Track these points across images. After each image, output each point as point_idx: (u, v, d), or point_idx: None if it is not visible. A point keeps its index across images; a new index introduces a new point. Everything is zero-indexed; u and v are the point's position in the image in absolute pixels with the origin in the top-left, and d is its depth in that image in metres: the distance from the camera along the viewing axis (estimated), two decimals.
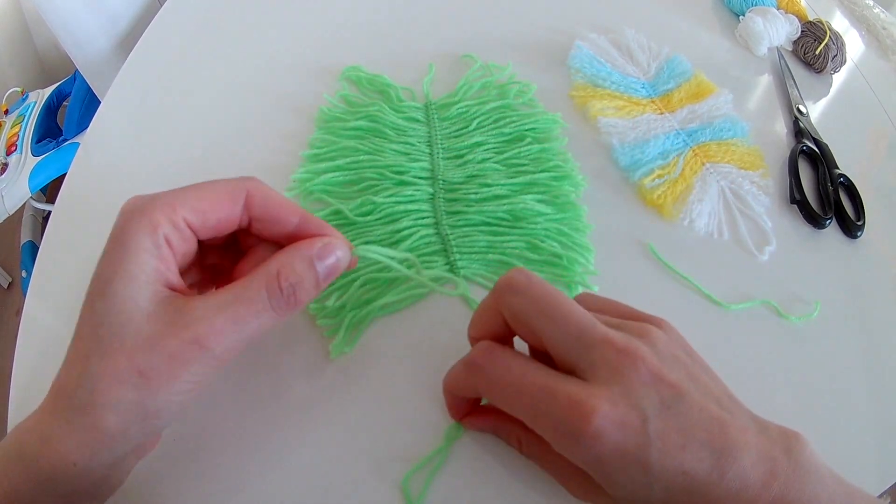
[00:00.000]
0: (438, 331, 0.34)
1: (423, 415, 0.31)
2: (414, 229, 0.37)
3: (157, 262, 0.23)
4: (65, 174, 0.41)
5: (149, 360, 0.22)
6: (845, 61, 0.57)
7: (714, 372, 0.26)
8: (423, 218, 0.38)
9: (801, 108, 0.52)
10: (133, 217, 0.23)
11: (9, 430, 0.30)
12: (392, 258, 0.29)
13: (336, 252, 0.26)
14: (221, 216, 0.25)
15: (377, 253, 0.29)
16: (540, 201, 0.39)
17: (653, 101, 0.49)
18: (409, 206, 0.38)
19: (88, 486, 0.23)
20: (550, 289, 0.25)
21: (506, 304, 0.25)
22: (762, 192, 0.44)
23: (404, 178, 0.40)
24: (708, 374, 0.25)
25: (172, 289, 0.24)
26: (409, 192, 0.39)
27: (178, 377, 0.22)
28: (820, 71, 0.57)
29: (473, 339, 0.29)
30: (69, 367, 0.23)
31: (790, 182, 0.45)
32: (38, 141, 1.02)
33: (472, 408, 0.30)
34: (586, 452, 0.22)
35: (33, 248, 1.12)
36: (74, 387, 0.22)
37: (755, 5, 0.59)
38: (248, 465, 0.30)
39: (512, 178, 0.40)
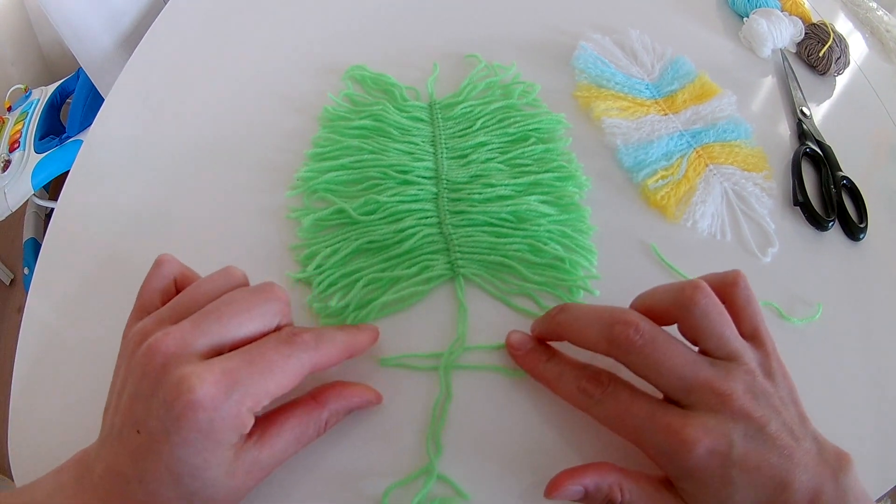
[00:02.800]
0: (437, 332, 0.34)
1: (419, 422, 0.31)
2: (417, 229, 0.37)
3: (242, 438, 0.26)
4: (68, 171, 0.41)
5: (233, 501, 0.26)
6: (849, 63, 0.57)
7: (795, 392, 0.29)
8: (427, 217, 0.38)
9: (805, 109, 0.52)
10: (219, 415, 0.24)
11: (9, 427, 0.31)
12: None
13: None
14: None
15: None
16: (543, 202, 0.39)
17: (657, 102, 0.49)
18: (413, 206, 0.38)
19: None
20: (661, 341, 0.27)
21: (616, 356, 0.28)
22: (765, 194, 0.44)
23: (408, 177, 0.40)
24: (791, 398, 0.28)
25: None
26: (413, 192, 0.39)
27: None
28: (823, 73, 0.57)
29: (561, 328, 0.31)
30: None
31: (793, 184, 0.45)
32: (42, 138, 1.02)
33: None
34: (680, 469, 0.26)
35: (35, 245, 1.13)
36: None
37: (759, 7, 0.59)
38: None
39: (516, 178, 0.40)
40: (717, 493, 0.26)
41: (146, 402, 0.24)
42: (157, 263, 0.31)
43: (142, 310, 0.29)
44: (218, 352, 0.26)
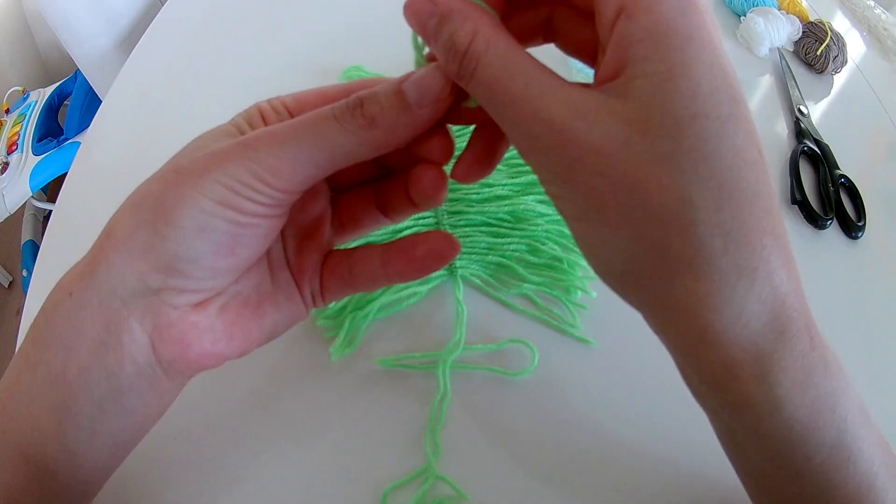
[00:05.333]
0: (436, 333, 0.35)
1: (418, 423, 0.31)
2: (414, 229, 0.37)
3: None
4: (66, 173, 0.41)
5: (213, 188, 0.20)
6: (846, 62, 0.57)
7: None
8: (424, 218, 0.38)
9: (802, 108, 0.52)
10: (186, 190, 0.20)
11: None
12: None
13: (425, 72, 0.20)
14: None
15: None
16: (541, 202, 0.39)
17: None
18: None
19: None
20: None
21: None
22: None
23: None
24: None
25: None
26: None
27: (241, 207, 0.20)
28: (821, 71, 0.57)
29: None
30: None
31: (791, 182, 0.45)
32: (39, 140, 1.02)
33: None
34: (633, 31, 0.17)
35: (34, 248, 1.13)
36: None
37: (756, 6, 0.59)
38: (244, 465, 0.30)
39: (513, 177, 0.40)
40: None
41: None
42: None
43: None
44: None
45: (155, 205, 0.20)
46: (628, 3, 0.17)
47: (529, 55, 0.19)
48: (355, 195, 0.26)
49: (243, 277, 0.23)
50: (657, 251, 0.17)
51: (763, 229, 0.17)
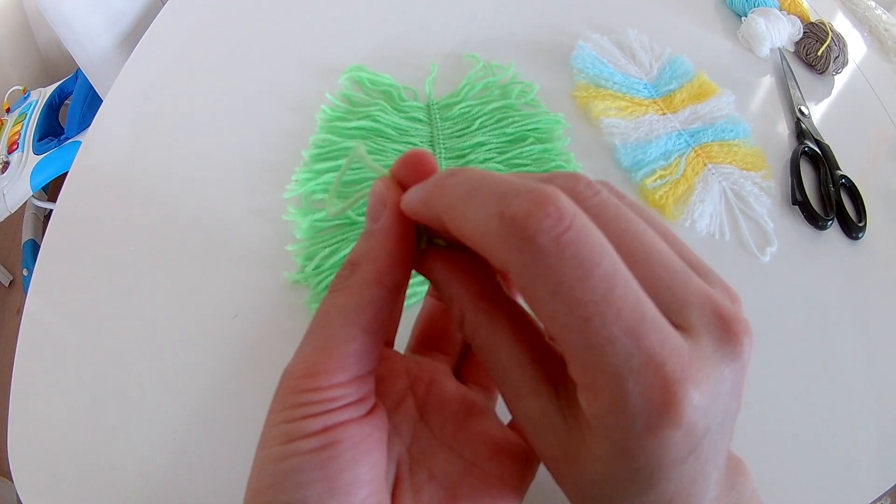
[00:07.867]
0: None
1: None
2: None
3: None
4: (66, 173, 0.41)
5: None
6: (847, 62, 0.57)
7: None
8: None
9: (803, 109, 0.52)
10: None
11: (9, 428, 0.31)
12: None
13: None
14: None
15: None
16: None
17: (655, 102, 0.49)
18: None
19: None
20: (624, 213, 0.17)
21: (514, 260, 0.16)
22: (764, 193, 0.44)
23: None
24: None
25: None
26: None
27: (304, 431, 0.18)
28: (822, 72, 0.57)
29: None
30: None
31: (792, 183, 0.45)
32: (40, 139, 1.02)
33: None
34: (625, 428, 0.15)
35: (34, 247, 1.13)
36: None
37: (757, 6, 0.59)
38: (245, 465, 0.30)
39: None
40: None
41: None
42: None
43: None
44: None
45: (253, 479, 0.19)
46: (587, 383, 0.15)
47: (514, 343, 0.18)
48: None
49: None
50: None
51: None
